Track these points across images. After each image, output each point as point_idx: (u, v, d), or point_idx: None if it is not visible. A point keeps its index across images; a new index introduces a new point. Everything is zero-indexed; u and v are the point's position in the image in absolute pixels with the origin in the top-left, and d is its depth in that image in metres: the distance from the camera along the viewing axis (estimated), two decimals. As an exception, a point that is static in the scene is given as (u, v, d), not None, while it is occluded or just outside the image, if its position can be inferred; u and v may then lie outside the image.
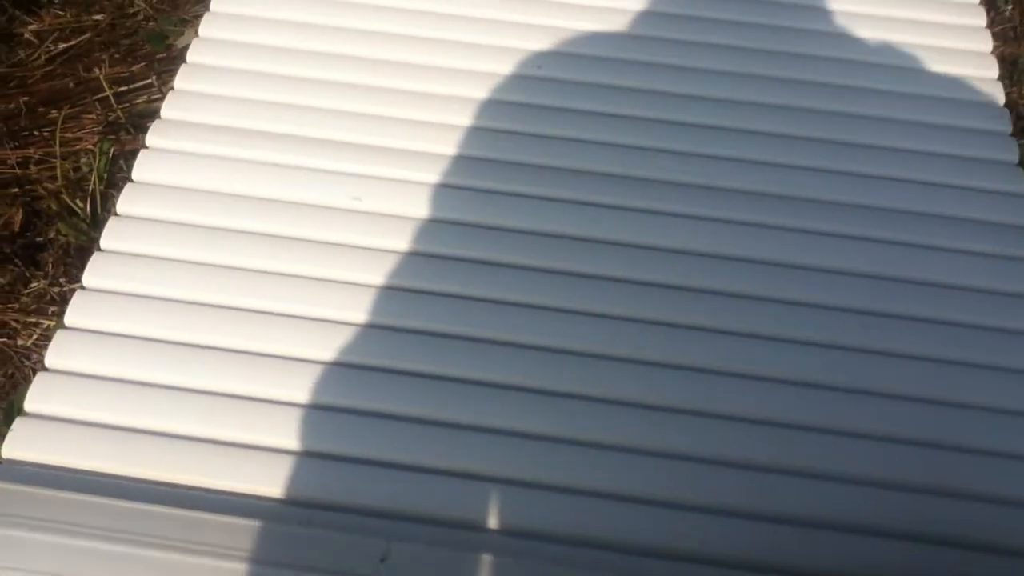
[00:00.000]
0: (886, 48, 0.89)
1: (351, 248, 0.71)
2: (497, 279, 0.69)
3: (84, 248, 1.04)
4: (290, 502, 0.59)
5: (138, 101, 1.16)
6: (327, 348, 0.65)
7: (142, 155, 0.76)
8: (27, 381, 1.02)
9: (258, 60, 0.82)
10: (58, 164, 1.07)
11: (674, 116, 0.81)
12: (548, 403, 0.64)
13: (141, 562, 0.53)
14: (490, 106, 0.80)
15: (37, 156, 1.11)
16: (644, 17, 0.88)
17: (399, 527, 0.57)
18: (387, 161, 0.75)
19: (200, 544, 0.54)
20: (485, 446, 0.62)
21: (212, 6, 0.87)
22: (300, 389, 0.64)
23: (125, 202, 0.73)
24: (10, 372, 1.01)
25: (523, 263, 0.71)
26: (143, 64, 1.20)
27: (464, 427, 0.62)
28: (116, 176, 1.10)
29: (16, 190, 1.08)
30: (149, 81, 1.17)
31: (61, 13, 1.24)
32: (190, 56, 0.83)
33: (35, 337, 1.03)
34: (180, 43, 1.22)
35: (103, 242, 0.71)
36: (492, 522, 0.58)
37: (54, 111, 1.14)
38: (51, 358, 0.65)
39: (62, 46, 1.20)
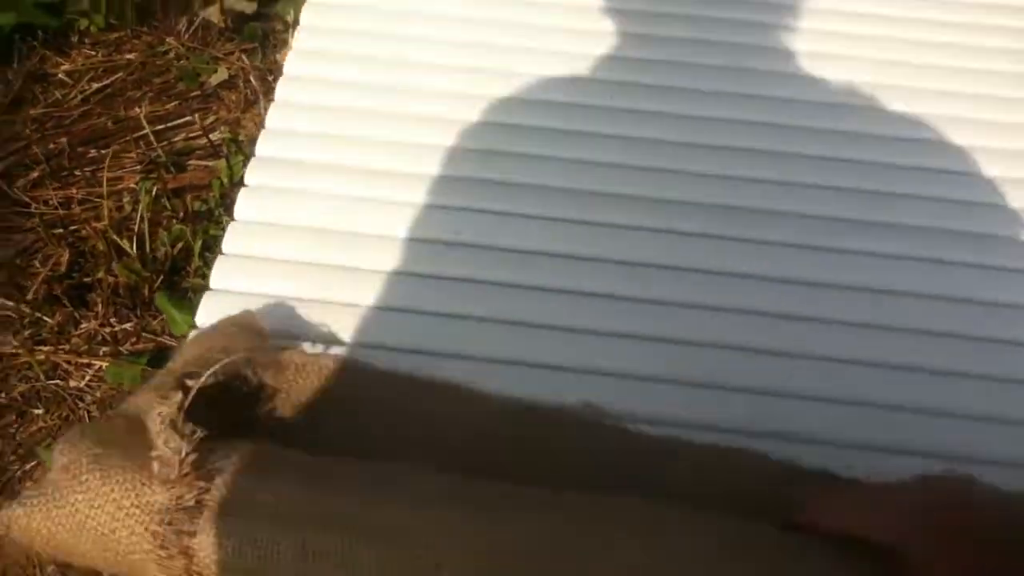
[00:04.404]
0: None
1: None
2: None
3: (134, 288, 1.04)
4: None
5: (177, 139, 1.17)
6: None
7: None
8: (83, 423, 1.01)
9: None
10: (105, 204, 1.06)
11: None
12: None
13: None
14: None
15: (80, 196, 1.10)
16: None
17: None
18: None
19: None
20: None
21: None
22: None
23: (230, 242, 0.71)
24: (65, 414, 0.99)
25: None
26: (177, 102, 1.21)
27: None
28: (160, 215, 1.09)
29: (61, 230, 1.07)
30: (189, 119, 1.18)
31: (92, 53, 1.24)
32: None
33: (87, 378, 1.02)
34: (213, 80, 1.23)
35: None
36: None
37: (93, 150, 1.14)
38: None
39: (95, 86, 1.20)
